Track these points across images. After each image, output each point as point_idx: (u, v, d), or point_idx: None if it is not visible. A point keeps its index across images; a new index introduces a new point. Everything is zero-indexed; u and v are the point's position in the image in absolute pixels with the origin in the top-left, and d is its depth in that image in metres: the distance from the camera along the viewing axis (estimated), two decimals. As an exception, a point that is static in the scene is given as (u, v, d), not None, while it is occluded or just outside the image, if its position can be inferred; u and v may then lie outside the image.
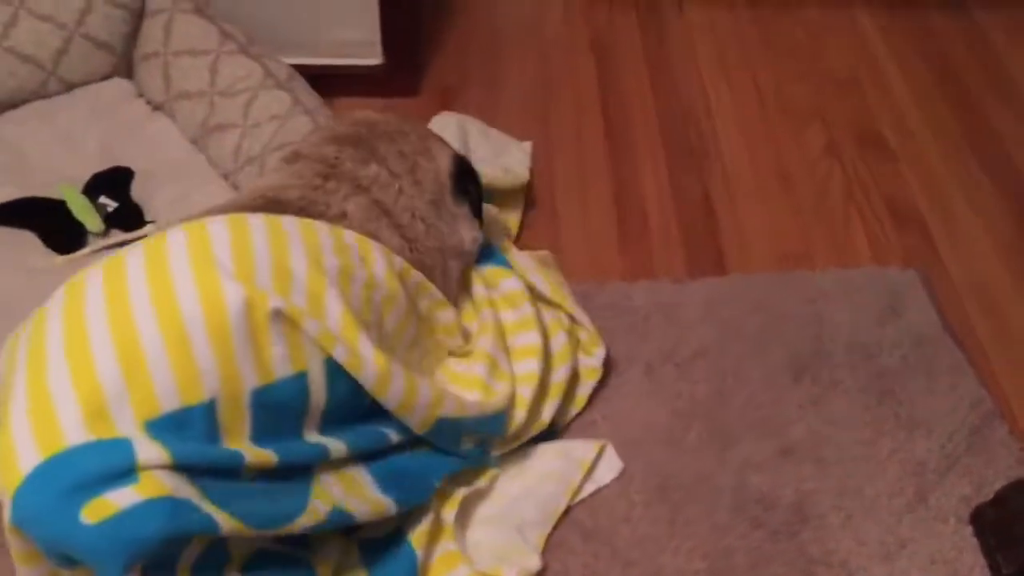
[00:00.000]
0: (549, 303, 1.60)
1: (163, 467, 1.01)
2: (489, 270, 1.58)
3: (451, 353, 1.48)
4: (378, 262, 1.29)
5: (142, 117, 1.92)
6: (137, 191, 1.78)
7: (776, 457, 1.51)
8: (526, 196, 1.92)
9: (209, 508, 1.04)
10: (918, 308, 1.73)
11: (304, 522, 1.15)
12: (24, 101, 1.91)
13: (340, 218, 1.33)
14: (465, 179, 1.53)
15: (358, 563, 1.33)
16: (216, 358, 1.07)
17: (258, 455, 1.12)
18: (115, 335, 1.04)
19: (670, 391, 1.60)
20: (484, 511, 1.42)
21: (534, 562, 1.35)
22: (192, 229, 1.15)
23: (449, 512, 1.37)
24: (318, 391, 1.18)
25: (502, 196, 1.87)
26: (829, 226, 1.90)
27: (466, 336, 1.49)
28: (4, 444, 1.00)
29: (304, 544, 1.26)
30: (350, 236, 1.28)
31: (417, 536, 1.34)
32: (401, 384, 1.24)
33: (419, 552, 1.33)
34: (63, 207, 1.72)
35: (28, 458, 0.98)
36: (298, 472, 1.18)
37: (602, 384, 1.60)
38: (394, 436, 1.31)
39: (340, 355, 1.17)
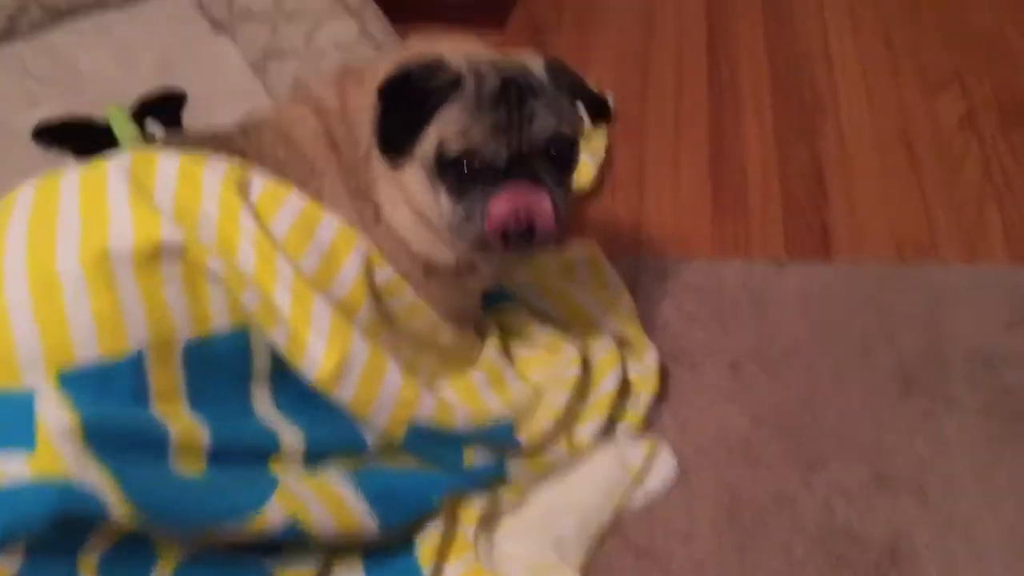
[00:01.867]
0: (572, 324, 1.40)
1: (69, 433, 0.91)
2: (491, 313, 1.40)
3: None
4: (350, 263, 1.11)
5: (202, 36, 1.86)
6: (189, 117, 1.70)
7: (871, 484, 1.33)
8: (606, 151, 1.78)
9: (114, 496, 0.92)
10: (1059, 317, 1.52)
11: (241, 530, 1.03)
12: (81, 9, 1.86)
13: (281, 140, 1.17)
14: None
15: None
16: (144, 301, 0.97)
17: (187, 429, 1.01)
18: (31, 263, 0.94)
19: (753, 394, 1.43)
20: (516, 523, 1.27)
21: (572, 582, 1.21)
22: (140, 160, 1.04)
23: (468, 527, 1.21)
24: (261, 349, 1.06)
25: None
26: (959, 212, 1.69)
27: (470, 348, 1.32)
28: None
29: (271, 548, 1.12)
30: (328, 224, 1.11)
31: (424, 550, 1.19)
32: (356, 376, 1.07)
33: (426, 569, 1.18)
34: (107, 131, 1.63)
35: None
36: (251, 465, 1.07)
37: (674, 378, 1.44)
38: (370, 437, 1.15)
39: (279, 338, 1.05)
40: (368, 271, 1.13)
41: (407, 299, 1.18)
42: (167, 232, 0.98)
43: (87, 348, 0.94)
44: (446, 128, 1.08)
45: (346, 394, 1.08)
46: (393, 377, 1.11)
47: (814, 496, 1.31)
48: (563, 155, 1.13)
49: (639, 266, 1.58)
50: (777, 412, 1.40)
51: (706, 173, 1.76)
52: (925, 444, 1.36)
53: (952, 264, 1.59)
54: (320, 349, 1.05)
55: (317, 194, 1.13)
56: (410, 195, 1.13)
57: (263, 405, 1.10)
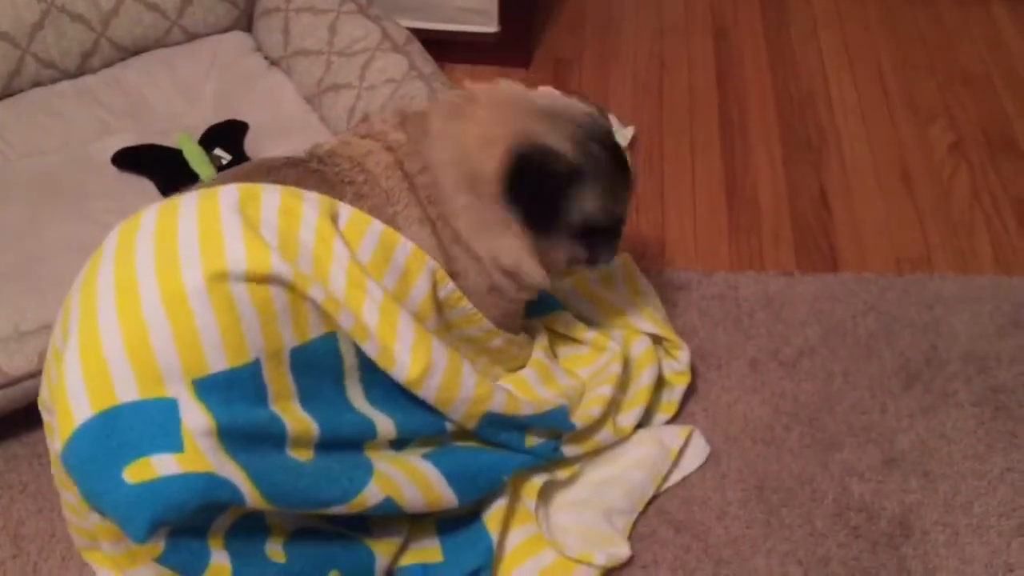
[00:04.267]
0: (614, 326, 1.53)
1: (207, 434, 1.02)
2: (543, 319, 1.53)
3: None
4: (421, 281, 1.23)
5: (259, 71, 1.92)
6: (250, 145, 1.79)
7: (881, 466, 1.46)
8: None
9: (246, 484, 1.04)
10: (1042, 323, 1.64)
11: (346, 510, 1.15)
12: (146, 49, 1.94)
13: (358, 170, 1.27)
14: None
15: (435, 542, 1.33)
16: (260, 318, 1.07)
17: (300, 423, 1.12)
18: (162, 283, 1.03)
19: (773, 389, 1.55)
20: (570, 495, 1.41)
21: (624, 549, 1.33)
22: (247, 194, 1.13)
23: (529, 500, 1.34)
24: (348, 349, 1.17)
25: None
26: (951, 230, 1.82)
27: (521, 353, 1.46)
28: (61, 392, 1.02)
29: (361, 525, 1.25)
30: (403, 247, 1.22)
31: (491, 518, 1.32)
32: (438, 379, 1.20)
33: (494, 535, 1.31)
34: (180, 156, 1.73)
35: (81, 410, 1.01)
36: (351, 452, 1.18)
37: (702, 377, 1.56)
38: (450, 424, 1.27)
39: (371, 350, 1.15)
40: (434, 286, 1.24)
41: (464, 309, 1.29)
42: (277, 266, 1.07)
43: (217, 360, 1.04)
44: (590, 209, 1.27)
45: (431, 393, 1.20)
46: (469, 378, 1.23)
47: (831, 476, 1.44)
48: None
49: (664, 278, 1.69)
50: (795, 404, 1.52)
51: (721, 198, 1.87)
52: (927, 432, 1.49)
53: (947, 275, 1.71)
54: (407, 357, 1.16)
55: (392, 219, 1.24)
56: (544, 251, 1.29)
57: (358, 400, 1.20)
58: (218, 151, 1.76)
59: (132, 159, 1.74)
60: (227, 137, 1.79)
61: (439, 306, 1.27)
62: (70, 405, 1.01)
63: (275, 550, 1.15)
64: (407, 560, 1.30)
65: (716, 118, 2.06)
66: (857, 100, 2.09)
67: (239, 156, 1.76)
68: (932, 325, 1.64)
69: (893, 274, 1.72)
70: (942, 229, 1.82)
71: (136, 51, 1.93)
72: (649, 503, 1.41)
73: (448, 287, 1.27)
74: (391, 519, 1.27)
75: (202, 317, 1.03)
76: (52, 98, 1.85)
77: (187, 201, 1.12)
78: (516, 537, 1.34)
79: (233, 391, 1.06)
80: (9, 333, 1.42)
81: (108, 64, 1.91)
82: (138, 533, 1.00)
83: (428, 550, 1.32)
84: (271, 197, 1.15)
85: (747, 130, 2.03)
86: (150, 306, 1.02)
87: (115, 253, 1.09)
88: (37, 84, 1.86)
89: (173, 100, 1.88)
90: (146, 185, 1.71)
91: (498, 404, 1.26)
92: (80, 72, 1.89)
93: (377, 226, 1.20)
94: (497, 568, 1.32)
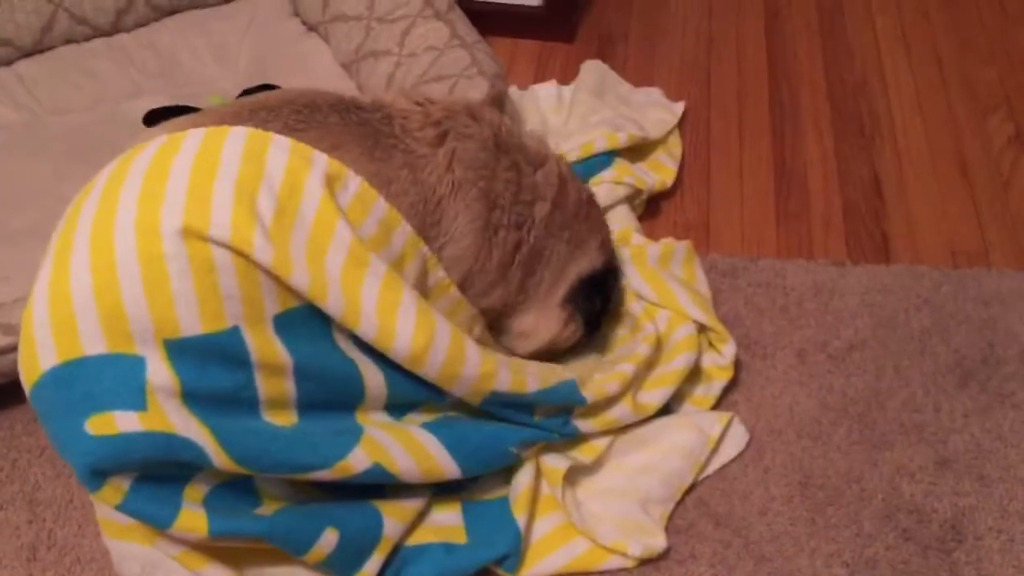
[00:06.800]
0: (662, 307, 1.48)
1: (172, 395, 0.99)
2: None
3: None
4: (412, 267, 1.18)
5: (296, 36, 1.89)
6: None
7: (933, 467, 1.39)
8: (681, 157, 1.84)
9: (213, 446, 1.01)
10: (1105, 324, 1.57)
11: (329, 475, 1.10)
12: (182, 9, 1.92)
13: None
14: (593, 292, 1.41)
15: (459, 519, 1.28)
16: (240, 286, 1.02)
17: (277, 383, 1.06)
18: (141, 249, 0.98)
19: (821, 382, 1.49)
20: (603, 483, 1.35)
21: (660, 541, 1.28)
22: (252, 151, 1.06)
23: (555, 488, 1.28)
24: None
25: (644, 152, 1.79)
26: (1010, 224, 1.74)
27: None
28: (27, 336, 1.00)
29: (374, 492, 1.19)
30: (402, 232, 1.17)
31: (517, 503, 1.27)
32: (442, 356, 1.14)
33: (520, 520, 1.26)
34: None
35: (46, 357, 0.99)
36: (340, 415, 1.14)
37: (746, 367, 1.50)
38: (448, 397, 1.21)
39: (366, 332, 1.10)
40: (424, 273, 1.20)
41: (451, 297, 1.25)
42: (259, 248, 1.01)
43: (191, 324, 1.00)
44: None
45: (434, 372, 1.15)
46: (473, 354, 1.17)
47: (880, 475, 1.37)
48: None
49: (708, 264, 1.63)
50: (843, 398, 1.46)
51: (770, 182, 1.81)
52: (983, 434, 1.42)
53: (1005, 271, 1.63)
54: (409, 332, 1.10)
55: (434, 188, 1.21)
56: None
57: (345, 345, 1.13)
58: (251, 115, 1.70)
59: (164, 120, 1.67)
60: (261, 102, 1.74)
61: (427, 293, 1.21)
62: (36, 351, 0.99)
63: (263, 513, 1.11)
64: (428, 537, 1.25)
65: (766, 100, 1.99)
66: (913, 87, 2.01)
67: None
68: (989, 322, 1.56)
69: (948, 267, 1.65)
70: (1000, 223, 1.74)
71: (171, 11, 1.92)
72: (687, 494, 1.35)
73: (439, 274, 1.22)
74: (409, 485, 1.22)
75: (178, 280, 0.99)
76: (84, 56, 1.84)
77: (189, 142, 1.06)
78: (546, 525, 1.29)
79: (207, 355, 1.01)
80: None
81: (143, 23, 1.90)
82: (94, 482, 0.99)
83: (451, 528, 1.27)
84: (278, 157, 1.07)
85: (798, 113, 1.95)
86: (124, 262, 0.98)
87: (104, 187, 1.04)
88: (69, 41, 1.85)
89: (207, 63, 1.86)
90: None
91: (503, 382, 1.21)
92: (114, 30, 1.88)
93: (382, 204, 1.15)
94: (527, 556, 1.27)
